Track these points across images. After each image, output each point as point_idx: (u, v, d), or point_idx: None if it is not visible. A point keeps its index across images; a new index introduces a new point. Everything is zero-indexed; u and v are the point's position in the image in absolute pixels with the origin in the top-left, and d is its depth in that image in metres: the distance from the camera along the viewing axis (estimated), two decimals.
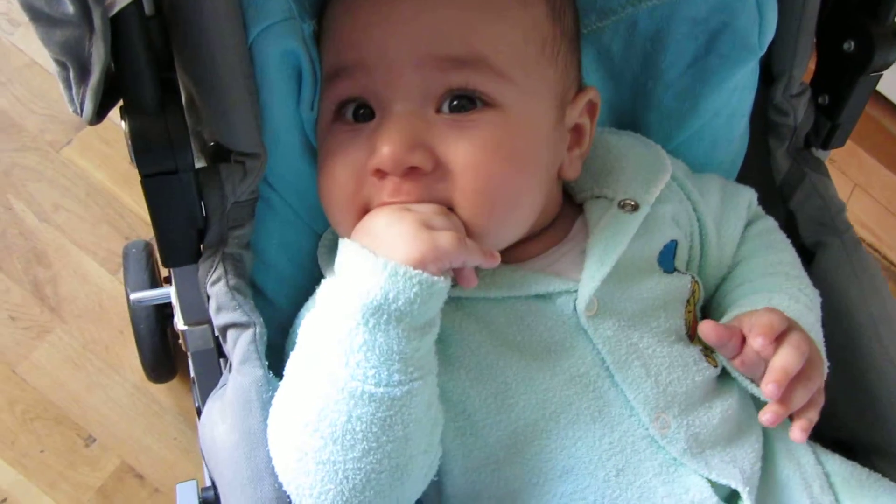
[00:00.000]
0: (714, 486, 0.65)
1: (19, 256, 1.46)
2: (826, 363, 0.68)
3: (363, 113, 0.65)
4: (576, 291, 0.66)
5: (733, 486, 0.66)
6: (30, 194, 1.50)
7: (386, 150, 0.61)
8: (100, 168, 1.52)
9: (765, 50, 0.76)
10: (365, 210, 0.64)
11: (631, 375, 0.66)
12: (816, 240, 0.84)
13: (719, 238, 0.77)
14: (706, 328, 0.65)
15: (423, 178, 0.62)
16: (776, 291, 0.72)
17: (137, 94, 0.56)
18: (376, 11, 0.63)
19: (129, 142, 0.57)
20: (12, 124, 1.55)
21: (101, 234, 1.48)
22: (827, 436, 0.80)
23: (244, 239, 0.69)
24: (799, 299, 0.71)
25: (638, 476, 0.64)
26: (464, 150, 0.62)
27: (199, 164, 0.67)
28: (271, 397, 0.62)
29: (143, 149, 0.57)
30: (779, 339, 0.64)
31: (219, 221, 0.66)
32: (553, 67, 0.68)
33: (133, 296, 0.86)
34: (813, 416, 0.64)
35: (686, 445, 0.65)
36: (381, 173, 0.62)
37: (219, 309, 0.65)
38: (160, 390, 1.38)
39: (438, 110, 0.63)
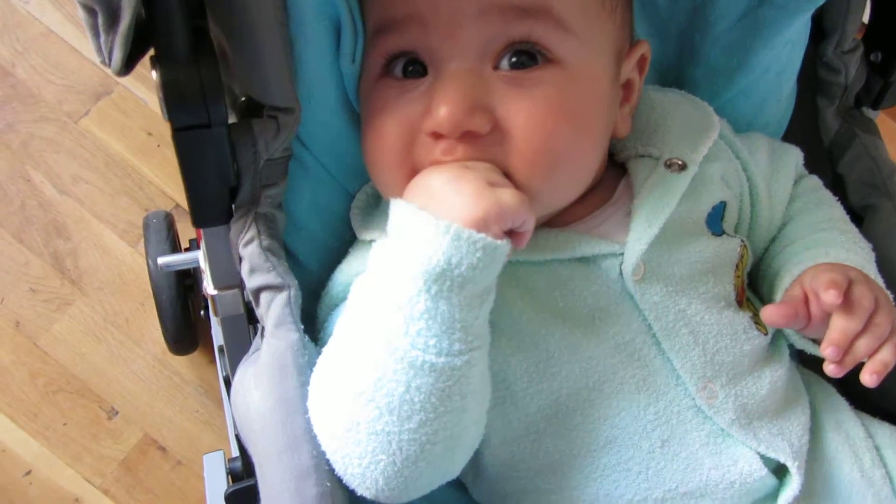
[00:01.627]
0: (762, 458, 0.63)
1: (39, 228, 1.45)
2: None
3: (413, 69, 0.62)
4: (622, 254, 0.63)
5: (782, 459, 0.63)
6: (48, 165, 1.49)
7: (444, 111, 0.58)
8: (118, 139, 1.50)
9: (822, 1, 0.72)
10: (414, 171, 0.61)
11: (678, 343, 0.63)
12: (866, 203, 0.81)
13: (770, 198, 0.75)
14: (770, 314, 0.62)
15: (480, 139, 0.59)
16: (832, 245, 0.70)
17: (169, 42, 0.53)
18: None
19: (161, 93, 0.54)
20: (30, 94, 1.53)
21: (121, 205, 1.47)
22: (877, 407, 0.78)
23: (277, 198, 0.66)
24: (856, 252, 0.70)
25: (684, 447, 0.62)
26: (524, 112, 0.59)
27: (231, 119, 0.64)
28: (308, 362, 0.60)
29: (176, 100, 0.54)
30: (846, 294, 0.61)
31: (251, 179, 0.63)
32: (612, 20, 0.65)
33: (161, 260, 0.84)
34: (888, 356, 0.60)
35: (734, 416, 0.63)
36: (437, 135, 0.59)
37: (252, 270, 0.63)
38: (181, 363, 1.37)
39: (496, 67, 0.60)
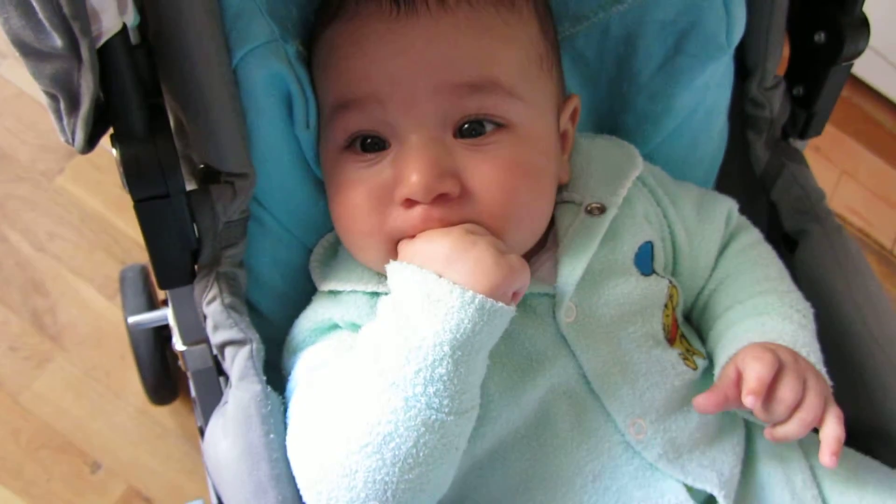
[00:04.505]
0: (691, 490, 0.67)
1: (17, 287, 1.46)
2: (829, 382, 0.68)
3: (371, 142, 0.66)
4: (553, 296, 0.68)
5: (709, 490, 0.67)
6: (24, 225, 1.50)
7: (415, 178, 0.62)
8: (93, 195, 1.53)
9: (734, 46, 0.78)
10: (391, 238, 0.65)
11: (608, 383, 0.67)
12: (798, 228, 0.85)
13: (691, 248, 0.77)
14: (702, 404, 0.66)
15: (451, 202, 0.63)
16: (767, 313, 0.72)
17: (127, 121, 0.57)
18: (388, 42, 0.64)
19: (121, 168, 0.58)
20: (4, 156, 1.55)
21: (97, 260, 1.49)
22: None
23: (237, 257, 0.70)
24: (792, 318, 0.71)
25: (614, 481, 0.66)
26: (486, 172, 0.64)
27: (190, 186, 0.68)
28: (271, 411, 0.64)
29: (135, 174, 0.58)
30: (773, 383, 0.64)
31: (212, 242, 0.67)
32: (549, 79, 0.71)
33: (131, 319, 0.87)
34: (833, 432, 0.64)
35: (662, 451, 0.67)
36: (410, 202, 0.63)
37: (215, 327, 0.67)
38: (163, 413, 1.39)
39: (454, 135, 0.65)
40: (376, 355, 0.59)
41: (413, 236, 0.64)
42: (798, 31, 0.83)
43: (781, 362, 0.65)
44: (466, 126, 0.65)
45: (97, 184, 1.54)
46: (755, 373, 0.64)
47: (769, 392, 0.63)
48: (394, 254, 0.65)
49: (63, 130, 0.57)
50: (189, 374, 0.75)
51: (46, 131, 1.56)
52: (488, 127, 0.65)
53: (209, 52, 0.61)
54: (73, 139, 0.56)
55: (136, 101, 0.57)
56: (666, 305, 0.72)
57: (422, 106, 0.64)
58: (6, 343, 1.42)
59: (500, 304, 0.57)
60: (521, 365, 0.66)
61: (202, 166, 0.67)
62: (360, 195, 0.66)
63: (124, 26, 0.53)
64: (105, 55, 0.53)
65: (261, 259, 0.74)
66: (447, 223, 0.63)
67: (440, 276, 0.58)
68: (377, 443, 0.57)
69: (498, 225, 0.64)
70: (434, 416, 0.57)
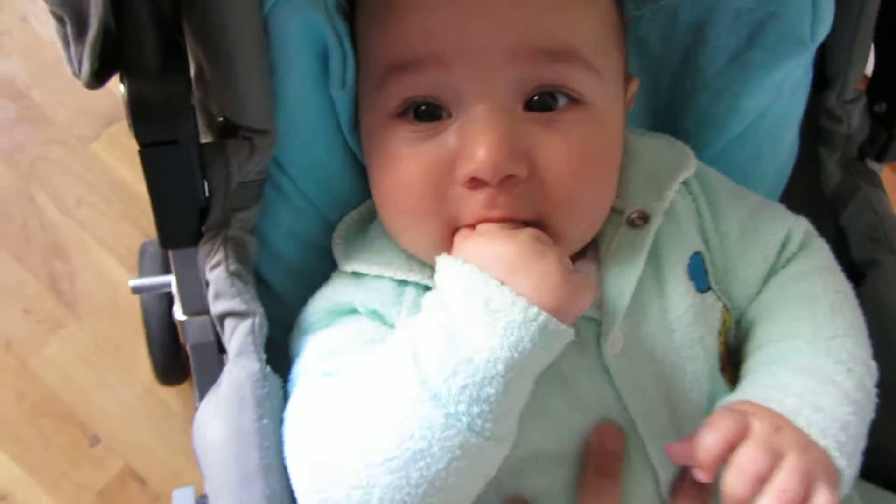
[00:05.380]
0: None
1: (38, 249, 1.45)
2: (845, 471, 0.55)
3: (425, 111, 0.59)
4: (599, 322, 0.60)
5: None
6: (53, 187, 1.49)
7: (483, 154, 0.55)
8: (126, 166, 1.51)
9: (816, 44, 0.70)
10: (451, 223, 0.58)
11: (654, 428, 0.59)
12: (869, 258, 0.77)
13: (725, 272, 0.67)
14: (671, 452, 0.56)
15: (518, 188, 0.57)
16: (786, 364, 0.60)
17: (138, 55, 0.52)
18: None
19: (127, 106, 0.53)
20: (42, 116, 1.55)
21: (122, 231, 1.46)
22: (880, 478, 0.73)
23: (249, 222, 0.64)
24: (817, 372, 0.58)
25: None
26: (559, 155, 0.57)
27: (208, 139, 0.63)
28: (268, 394, 0.58)
29: (142, 114, 0.53)
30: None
31: (222, 201, 0.62)
32: (619, 56, 0.64)
33: (133, 282, 0.82)
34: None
35: None
36: (476, 182, 0.56)
37: (217, 295, 0.61)
38: (170, 394, 1.35)
39: (524, 108, 0.58)
40: (417, 359, 0.51)
41: (472, 225, 0.58)
42: (886, 40, 0.76)
43: (749, 431, 0.53)
44: (537, 98, 0.58)
45: (132, 154, 1.49)
46: (701, 443, 0.53)
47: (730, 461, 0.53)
48: (449, 242, 0.58)
49: (70, 60, 0.52)
50: (188, 348, 0.69)
51: (87, 96, 1.54)
52: (561, 101, 0.58)
53: None
54: (80, 70, 0.51)
55: (151, 34, 0.52)
56: (720, 332, 0.64)
57: (494, 71, 0.57)
58: (21, 305, 1.40)
59: (564, 326, 0.51)
60: (555, 387, 0.59)
61: (221, 119, 0.62)
62: (415, 170, 0.58)
63: None
64: None
65: (277, 230, 0.68)
66: (513, 213, 0.57)
67: (502, 284, 0.51)
68: (405, 458, 0.50)
69: (562, 215, 0.58)
70: (474, 440, 0.50)
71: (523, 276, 0.52)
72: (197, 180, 0.58)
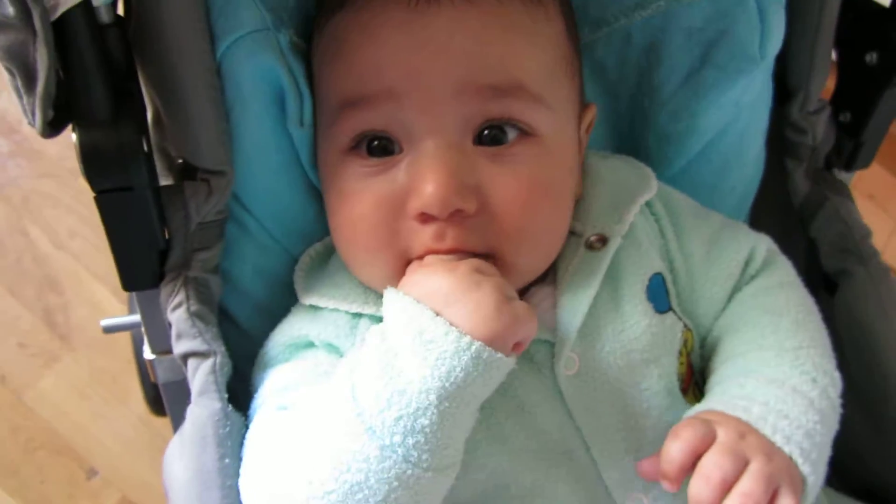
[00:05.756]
0: None
1: (32, 283, 1.45)
2: (808, 478, 0.55)
3: (378, 146, 0.60)
4: (553, 344, 0.60)
5: None
6: (46, 221, 1.50)
7: (431, 190, 0.56)
8: None
9: (769, 60, 0.70)
10: (403, 255, 0.59)
11: (608, 450, 0.60)
12: (840, 268, 0.77)
13: (692, 292, 0.67)
14: (641, 469, 0.57)
15: (467, 221, 0.57)
16: (754, 373, 0.60)
17: (87, 103, 0.53)
18: (406, 33, 0.58)
19: (78, 155, 0.53)
20: (33, 150, 1.56)
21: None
22: (856, 485, 0.73)
23: (210, 263, 0.65)
24: (784, 381, 0.59)
25: None
26: (508, 189, 0.58)
27: (167, 182, 0.64)
28: (229, 433, 0.58)
29: (94, 163, 0.54)
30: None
31: (182, 242, 0.62)
32: (573, 86, 0.65)
33: (104, 322, 0.83)
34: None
35: None
36: (424, 216, 0.57)
37: (179, 336, 0.61)
38: (166, 424, 1.33)
39: (474, 142, 0.59)
40: (354, 392, 0.52)
41: (421, 257, 0.58)
42: (847, 49, 0.76)
43: (713, 437, 0.54)
44: (487, 132, 0.59)
45: None
46: (665, 453, 0.54)
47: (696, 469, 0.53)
48: (402, 275, 0.59)
49: (24, 111, 0.53)
50: (160, 387, 0.69)
51: None
52: (511, 134, 0.59)
53: (187, 37, 0.57)
54: (34, 120, 0.52)
55: (100, 82, 0.52)
56: (680, 352, 0.64)
57: (442, 106, 0.57)
58: (16, 339, 1.41)
59: (500, 354, 0.51)
60: (512, 413, 0.59)
61: (180, 161, 0.62)
62: (366, 205, 0.59)
63: (87, 0, 0.49)
64: (64, 29, 0.49)
65: (242, 267, 0.69)
66: (461, 245, 0.57)
67: (437, 315, 0.51)
68: (343, 491, 0.51)
69: (513, 247, 0.58)
70: (410, 471, 0.50)
71: (458, 306, 0.52)
72: (154, 223, 0.59)
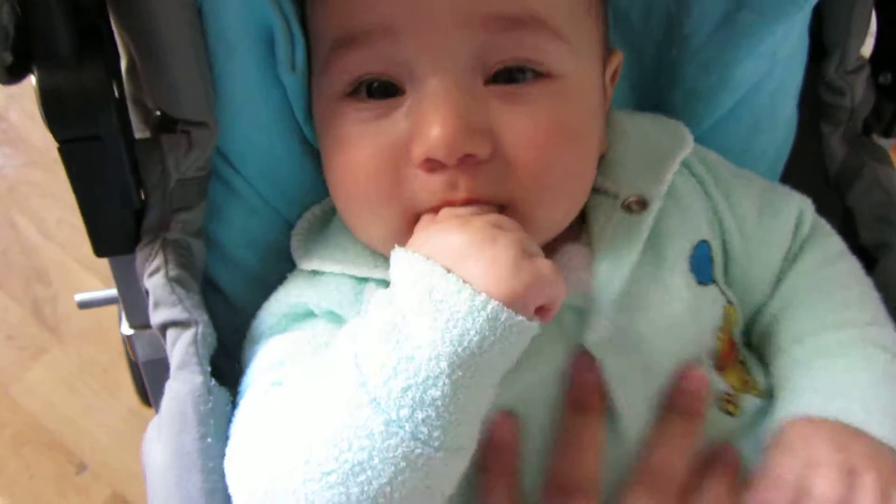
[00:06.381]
0: None
1: (20, 274, 1.42)
2: None
3: (379, 88, 0.54)
4: (584, 311, 0.54)
5: None
6: (33, 211, 1.47)
7: (437, 132, 0.50)
8: None
9: (811, 5, 0.64)
10: (409, 208, 0.53)
11: (637, 425, 0.54)
12: (879, 240, 0.71)
13: (747, 256, 0.62)
14: None
15: (481, 168, 0.51)
16: (841, 356, 0.57)
17: (48, 41, 0.47)
18: None
19: (38, 99, 0.48)
20: (19, 139, 1.53)
21: None
22: None
23: (192, 224, 0.59)
24: (873, 363, 0.56)
25: None
26: (525, 132, 0.52)
27: (145, 136, 0.58)
28: (212, 410, 0.52)
29: (55, 107, 0.48)
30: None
31: (160, 202, 0.56)
32: (596, 27, 0.59)
33: (78, 297, 0.77)
34: None
35: None
36: (431, 163, 0.51)
37: (156, 304, 0.55)
38: None
39: (487, 82, 0.53)
40: (357, 360, 0.46)
41: (435, 210, 0.52)
42: (889, 4, 0.69)
43: (814, 462, 0.51)
44: (500, 71, 0.53)
45: None
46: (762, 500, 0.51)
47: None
48: (409, 233, 0.53)
49: None
50: (140, 366, 0.63)
51: None
52: (528, 74, 0.53)
53: None
54: None
55: (61, 17, 0.46)
56: (721, 329, 0.59)
57: (447, 41, 0.51)
58: (3, 332, 1.38)
59: (520, 317, 0.45)
60: (533, 382, 0.53)
61: (157, 113, 0.56)
62: (366, 153, 0.53)
63: None
64: None
65: (230, 233, 0.63)
66: (476, 196, 0.52)
67: (449, 272, 0.46)
68: (343, 472, 0.45)
69: (532, 198, 0.53)
70: (420, 450, 0.45)
71: (472, 262, 0.46)
72: (128, 179, 0.53)
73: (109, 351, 1.36)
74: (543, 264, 0.47)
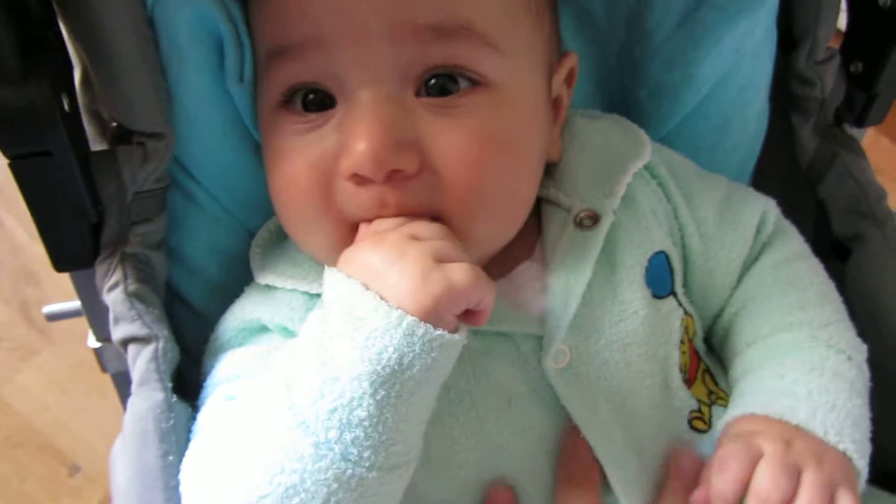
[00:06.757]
0: None
1: (8, 275, 1.42)
2: (863, 470, 0.53)
3: (313, 99, 0.53)
4: (541, 337, 0.54)
5: None
6: (22, 210, 1.44)
7: (363, 147, 0.49)
8: None
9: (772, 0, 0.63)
10: (343, 219, 0.52)
11: (611, 450, 0.54)
12: (852, 232, 0.70)
13: (706, 260, 0.62)
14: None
15: (409, 182, 0.51)
16: (791, 356, 0.56)
17: None
18: None
19: None
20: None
21: None
22: (873, 468, 0.67)
23: (151, 238, 0.59)
24: (823, 365, 0.55)
25: None
26: (455, 144, 0.51)
27: (102, 147, 0.57)
28: (173, 427, 0.52)
29: (2, 124, 0.47)
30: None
31: (117, 215, 0.56)
32: (540, 29, 0.57)
33: (45, 309, 0.77)
34: None
35: None
36: (358, 178, 0.51)
37: (116, 319, 0.55)
38: None
39: (417, 93, 0.52)
40: (289, 381, 0.46)
41: (371, 220, 0.52)
42: None
43: (760, 456, 0.50)
44: (433, 82, 0.52)
45: None
46: (714, 488, 0.50)
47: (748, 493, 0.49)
48: (349, 241, 0.52)
49: None
50: (112, 378, 0.63)
51: None
52: (462, 84, 0.52)
53: None
54: None
55: (6, 30, 0.46)
56: (682, 341, 0.58)
57: (375, 52, 0.50)
58: None
59: (439, 331, 0.44)
60: (495, 406, 0.53)
61: (113, 124, 0.56)
62: (297, 166, 0.53)
63: None
64: None
65: (193, 244, 0.62)
66: (405, 211, 0.51)
67: (367, 290, 0.45)
68: (277, 495, 0.45)
69: (465, 212, 0.52)
70: (350, 471, 0.44)
71: (382, 279, 0.45)
72: (82, 193, 0.53)
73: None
74: (456, 270, 0.46)
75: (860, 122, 0.72)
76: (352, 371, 0.43)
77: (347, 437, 0.44)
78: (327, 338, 0.45)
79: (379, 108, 0.50)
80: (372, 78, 0.51)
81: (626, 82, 0.69)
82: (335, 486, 0.44)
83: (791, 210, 0.67)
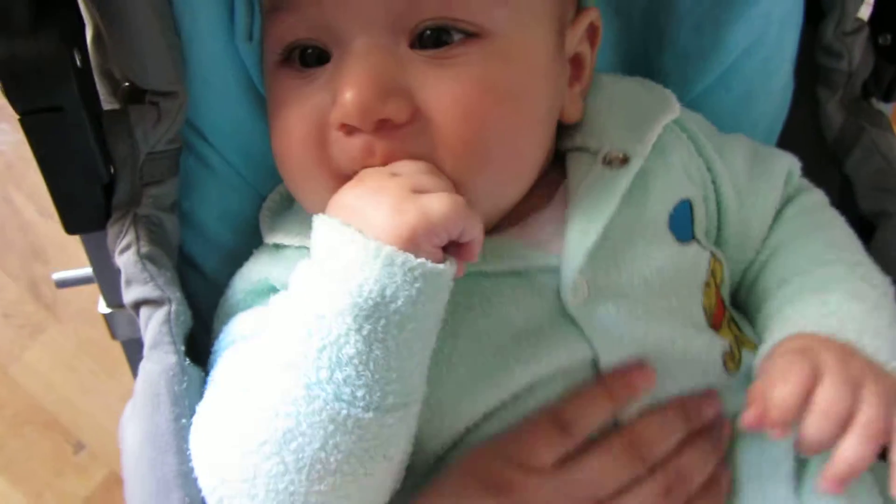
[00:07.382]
0: None
1: (17, 252, 1.41)
2: None
3: (311, 53, 0.52)
4: (558, 272, 0.52)
5: None
6: (31, 187, 1.45)
7: (350, 96, 0.48)
8: None
9: None
10: (337, 174, 0.51)
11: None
12: (878, 209, 0.69)
13: (741, 210, 0.61)
14: (748, 422, 0.49)
15: (400, 131, 0.49)
16: (831, 290, 0.56)
17: (1, 9, 0.45)
18: None
19: None
20: (15, 114, 1.51)
21: None
22: None
23: (165, 199, 0.58)
24: (864, 296, 0.55)
25: None
26: (448, 94, 0.49)
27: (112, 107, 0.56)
28: (186, 390, 0.51)
29: (13, 77, 0.46)
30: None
31: (130, 176, 0.55)
32: None
33: (56, 275, 0.76)
34: (860, 451, 0.46)
35: None
36: (347, 128, 0.50)
37: (128, 282, 0.54)
38: None
39: (412, 45, 0.50)
40: (279, 326, 0.46)
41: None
42: None
43: (819, 370, 0.49)
44: (428, 34, 0.50)
45: None
46: (775, 399, 0.47)
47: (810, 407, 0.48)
48: None
49: None
50: (122, 346, 0.62)
51: None
52: (456, 36, 0.50)
53: None
54: None
55: None
56: (707, 284, 0.57)
57: (367, 3, 0.49)
58: (0, 310, 1.36)
59: (421, 259, 0.43)
60: (507, 345, 0.51)
61: (125, 84, 0.54)
62: (293, 119, 0.52)
63: None
64: None
65: (207, 209, 0.61)
66: (394, 161, 0.50)
67: (345, 225, 0.45)
68: (276, 441, 0.44)
69: (460, 164, 0.50)
70: (345, 411, 0.43)
71: (362, 213, 0.45)
72: (94, 152, 0.52)
73: (107, 330, 1.35)
74: (433, 199, 0.45)
75: (888, 96, 0.70)
76: (335, 306, 0.43)
77: (339, 376, 0.43)
78: (311, 278, 0.45)
79: (369, 58, 0.49)
80: (363, 28, 0.50)
81: (649, 47, 0.67)
82: (331, 427, 0.43)
83: (816, 185, 0.66)
